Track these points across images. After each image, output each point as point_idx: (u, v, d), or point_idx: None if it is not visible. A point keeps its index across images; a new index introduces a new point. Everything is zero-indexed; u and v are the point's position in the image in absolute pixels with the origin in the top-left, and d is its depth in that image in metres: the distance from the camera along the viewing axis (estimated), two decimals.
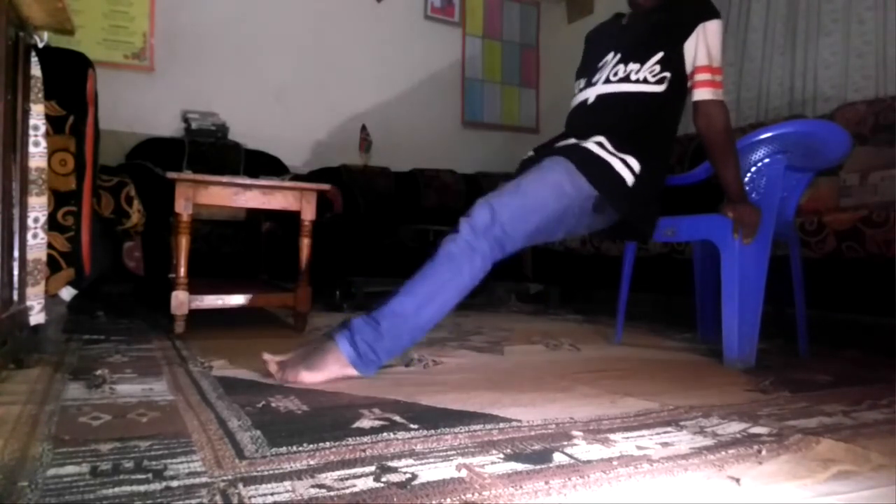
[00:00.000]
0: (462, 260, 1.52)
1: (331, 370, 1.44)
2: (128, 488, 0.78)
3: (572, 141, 1.80)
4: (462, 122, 4.81)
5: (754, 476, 0.90)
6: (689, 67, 1.78)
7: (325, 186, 2.42)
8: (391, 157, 4.29)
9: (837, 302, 2.20)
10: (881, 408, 1.31)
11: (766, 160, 1.89)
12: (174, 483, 0.80)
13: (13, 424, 1.03)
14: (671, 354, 2.01)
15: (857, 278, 2.09)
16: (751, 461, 0.96)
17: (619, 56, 1.85)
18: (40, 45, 1.52)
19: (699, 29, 1.75)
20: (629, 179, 1.69)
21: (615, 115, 1.78)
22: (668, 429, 1.13)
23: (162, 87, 3.80)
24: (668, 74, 1.77)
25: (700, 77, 1.76)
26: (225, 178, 2.17)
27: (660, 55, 1.78)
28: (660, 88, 1.77)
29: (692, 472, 0.91)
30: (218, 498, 0.76)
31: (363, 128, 4.30)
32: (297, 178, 3.62)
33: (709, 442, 1.05)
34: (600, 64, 1.90)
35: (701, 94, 1.76)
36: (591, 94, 1.87)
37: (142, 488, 0.78)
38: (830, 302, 2.19)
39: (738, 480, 0.88)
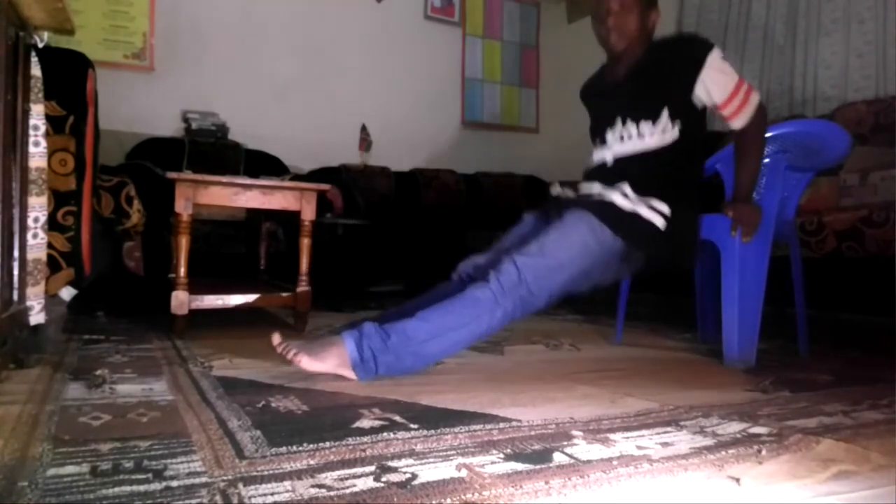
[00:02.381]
0: (484, 310, 1.54)
1: (330, 364, 1.45)
2: (128, 488, 0.78)
3: (597, 188, 1.77)
4: (462, 122, 4.81)
5: (754, 476, 0.90)
6: (709, 105, 1.77)
7: (325, 186, 2.41)
8: (391, 157, 4.29)
9: (837, 302, 2.20)
10: (881, 408, 1.31)
11: (766, 160, 1.89)
12: (174, 483, 0.80)
13: (13, 424, 1.03)
14: (671, 354, 2.01)
15: (857, 278, 2.09)
16: (751, 461, 0.96)
17: (627, 118, 1.82)
18: (40, 45, 1.52)
19: (703, 72, 1.72)
20: (659, 223, 1.68)
21: (636, 170, 1.77)
22: (668, 429, 1.13)
23: (162, 86, 3.80)
24: (679, 122, 1.76)
25: (728, 110, 1.74)
26: (225, 178, 2.17)
27: (668, 109, 1.76)
28: (674, 137, 1.76)
29: (692, 472, 0.91)
30: (218, 498, 0.76)
31: (363, 128, 4.30)
32: (297, 178, 3.62)
33: (709, 442, 1.05)
34: (612, 126, 1.87)
35: (737, 124, 1.75)
36: (608, 156, 1.85)
37: (142, 488, 0.78)
38: (830, 302, 2.19)
39: (738, 480, 0.88)
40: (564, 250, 1.62)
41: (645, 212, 1.68)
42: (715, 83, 1.73)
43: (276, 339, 1.51)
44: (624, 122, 1.83)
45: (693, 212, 1.82)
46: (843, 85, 3.10)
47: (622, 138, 1.83)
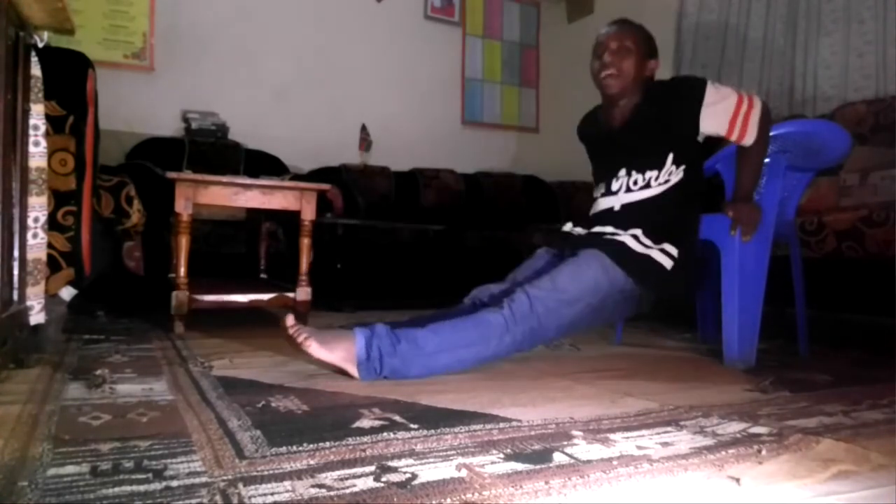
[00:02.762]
0: (493, 333, 1.57)
1: (336, 356, 1.46)
2: (128, 488, 0.78)
3: (609, 230, 1.78)
4: (462, 121, 4.80)
5: (754, 476, 0.90)
6: (716, 135, 1.78)
7: (325, 186, 2.42)
8: (391, 157, 4.29)
9: (837, 302, 2.20)
10: (881, 408, 1.31)
11: (767, 160, 1.89)
12: (174, 483, 0.80)
13: (13, 424, 1.03)
14: (671, 354, 2.01)
15: (857, 278, 2.09)
16: (751, 461, 0.96)
17: (633, 171, 1.82)
18: (40, 45, 1.52)
19: (704, 111, 1.73)
20: (668, 265, 1.71)
21: (644, 215, 1.78)
22: (668, 429, 1.13)
23: (162, 86, 3.80)
24: (683, 162, 1.78)
25: (734, 136, 1.75)
26: (225, 178, 2.17)
27: (671, 156, 1.77)
28: (680, 177, 1.78)
29: (692, 472, 0.91)
30: (218, 498, 0.76)
31: (363, 128, 4.29)
32: (297, 177, 3.62)
33: (709, 442, 1.05)
34: (616, 176, 1.86)
35: (748, 140, 1.76)
36: (615, 204, 1.85)
37: (142, 488, 0.78)
38: (830, 302, 2.19)
39: (738, 480, 0.88)
40: (576, 286, 1.65)
41: (656, 255, 1.71)
42: (716, 115, 1.74)
43: (290, 320, 1.52)
44: (629, 174, 1.83)
45: (695, 247, 1.84)
46: (843, 85, 3.10)
47: (629, 188, 1.83)
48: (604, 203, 1.90)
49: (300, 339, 1.47)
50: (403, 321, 1.69)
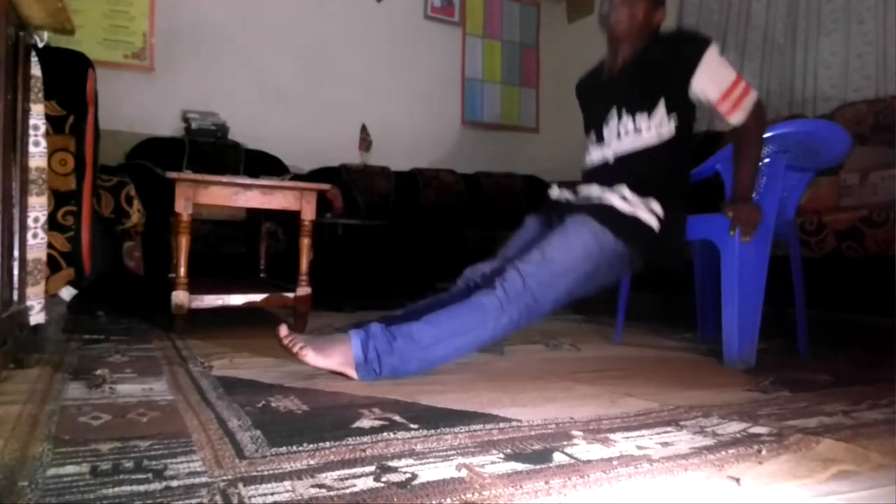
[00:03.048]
0: (489, 316, 1.55)
1: (334, 361, 1.46)
2: (128, 488, 0.78)
3: (596, 190, 1.78)
4: (462, 122, 4.81)
5: (754, 476, 0.90)
6: (705, 102, 1.77)
7: (325, 186, 2.42)
8: (391, 157, 4.29)
9: (837, 302, 2.20)
10: (881, 408, 1.31)
11: (766, 160, 1.89)
12: (174, 483, 0.80)
13: (13, 424, 1.03)
14: (671, 354, 2.01)
15: (857, 278, 2.09)
16: (751, 461, 0.96)
17: (623, 109, 1.83)
18: (40, 45, 1.52)
19: (699, 67, 1.73)
20: (654, 224, 1.70)
21: (635, 170, 1.78)
22: (668, 429, 1.13)
23: (162, 86, 3.80)
24: (675, 115, 1.77)
25: (724, 107, 1.75)
26: (225, 178, 2.17)
27: (663, 101, 1.77)
28: (671, 132, 1.77)
29: (692, 472, 0.91)
30: (218, 498, 0.76)
31: (363, 128, 4.29)
32: (297, 177, 3.62)
33: (709, 442, 1.05)
34: (606, 121, 1.87)
35: (734, 120, 1.76)
36: (608, 155, 1.86)
37: (142, 488, 0.78)
38: (830, 302, 2.19)
39: (738, 480, 0.88)
40: (567, 256, 1.63)
41: (643, 214, 1.69)
42: (711, 79, 1.73)
43: (283, 331, 1.52)
44: (620, 116, 1.83)
45: (681, 212, 1.83)
46: (843, 85, 3.10)
47: (619, 135, 1.83)
48: (595, 155, 1.90)
49: (296, 350, 1.46)
50: (397, 315, 1.68)
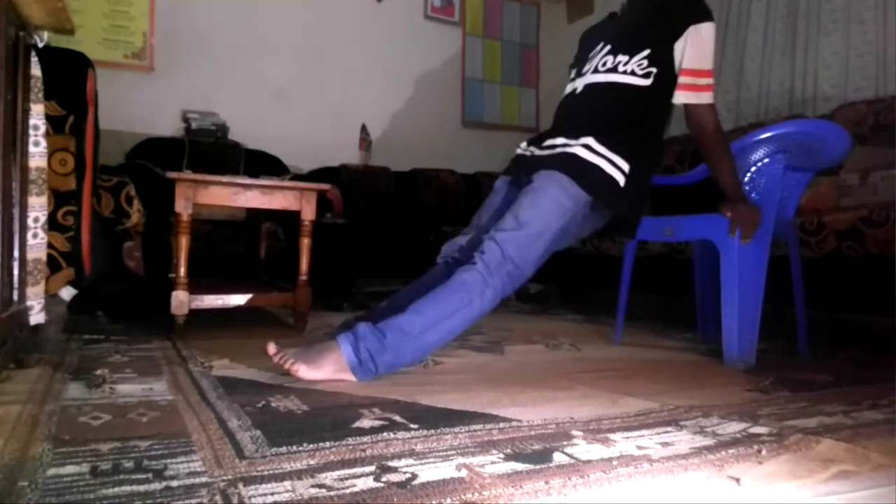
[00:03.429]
0: (474, 292, 1.54)
1: (327, 370, 1.45)
2: (128, 488, 0.78)
3: (560, 142, 1.77)
4: (462, 122, 4.81)
5: (754, 476, 0.90)
6: (676, 68, 1.76)
7: (325, 186, 2.41)
8: (391, 157, 4.29)
9: (837, 302, 2.20)
10: (881, 408, 1.31)
11: (766, 160, 1.89)
12: (174, 483, 0.80)
13: (13, 424, 1.03)
14: (671, 354, 2.01)
15: (857, 278, 2.09)
16: (751, 461, 0.96)
17: (608, 47, 1.85)
18: (40, 45, 1.52)
19: (690, 31, 1.73)
20: (620, 180, 1.69)
21: (602, 107, 1.78)
22: (668, 429, 1.13)
23: (162, 87, 3.80)
24: (654, 70, 1.76)
25: (683, 80, 1.75)
26: (225, 178, 2.16)
27: (647, 51, 1.77)
28: (646, 83, 1.76)
29: (692, 472, 0.91)
30: (218, 498, 0.76)
31: (363, 128, 4.29)
32: (297, 177, 3.62)
33: (709, 442, 1.05)
34: (591, 54, 1.90)
35: (680, 97, 1.75)
36: (579, 84, 1.87)
37: (142, 488, 0.78)
38: (830, 302, 2.19)
39: (738, 480, 0.88)
40: (540, 216, 1.62)
41: (607, 167, 1.68)
42: (691, 47, 1.73)
43: (272, 348, 1.50)
44: (602, 51, 1.85)
45: (647, 177, 1.81)
46: (843, 85, 3.10)
47: (597, 68, 1.84)
48: (569, 87, 1.92)
49: (287, 366, 1.44)
50: (381, 308, 1.67)
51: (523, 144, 1.94)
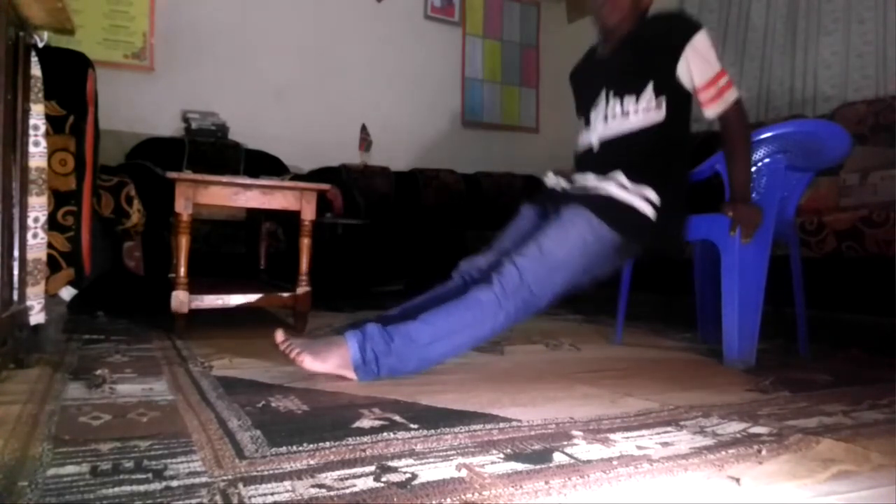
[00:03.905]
0: (487, 313, 1.54)
1: (331, 364, 1.45)
2: (128, 488, 0.78)
3: (591, 179, 1.77)
4: (462, 122, 4.81)
5: (754, 476, 0.90)
6: (689, 88, 1.76)
7: (326, 186, 2.41)
8: (391, 157, 4.29)
9: (837, 302, 2.20)
10: (881, 408, 1.31)
11: (766, 160, 1.89)
12: (174, 483, 0.80)
13: (13, 424, 1.03)
14: (671, 354, 2.01)
15: (857, 278, 2.09)
16: (751, 461, 0.96)
17: (611, 91, 1.83)
18: (40, 45, 1.52)
19: (687, 50, 1.72)
20: (649, 213, 1.69)
21: (623, 155, 1.77)
22: (668, 429, 1.13)
23: (162, 87, 3.80)
24: (664, 99, 1.76)
25: (704, 96, 1.74)
26: (225, 178, 2.17)
27: (652, 84, 1.76)
28: (660, 116, 1.76)
29: (692, 472, 0.91)
30: (218, 498, 0.76)
31: (363, 128, 4.29)
32: (297, 177, 3.62)
33: (709, 442, 1.05)
34: (596, 103, 1.88)
35: (711, 111, 1.75)
36: (594, 139, 1.86)
37: (142, 488, 0.78)
38: (830, 302, 2.19)
39: (738, 480, 0.88)
40: (563, 249, 1.62)
41: (638, 202, 1.68)
42: (696, 64, 1.73)
43: (280, 336, 1.51)
44: (608, 99, 1.83)
45: (680, 202, 1.82)
46: (843, 85, 3.10)
47: (606, 118, 1.83)
48: (583, 140, 1.91)
49: (292, 355, 1.45)
50: (393, 314, 1.67)
51: (551, 178, 1.94)
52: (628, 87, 1.79)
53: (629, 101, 1.78)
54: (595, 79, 1.92)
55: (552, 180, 1.94)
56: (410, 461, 0.92)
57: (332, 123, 4.22)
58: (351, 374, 1.46)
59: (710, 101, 1.74)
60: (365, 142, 4.28)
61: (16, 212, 1.41)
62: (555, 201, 1.80)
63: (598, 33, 1.94)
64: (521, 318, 1.61)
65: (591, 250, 1.65)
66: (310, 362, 1.44)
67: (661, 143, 1.77)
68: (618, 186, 1.69)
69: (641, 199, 1.69)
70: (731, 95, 1.74)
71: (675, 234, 1.83)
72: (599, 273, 1.78)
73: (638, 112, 1.77)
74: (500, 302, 1.54)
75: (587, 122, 1.91)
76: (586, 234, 1.64)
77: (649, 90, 1.76)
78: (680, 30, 1.76)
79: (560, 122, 4.71)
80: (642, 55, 1.79)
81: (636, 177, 1.70)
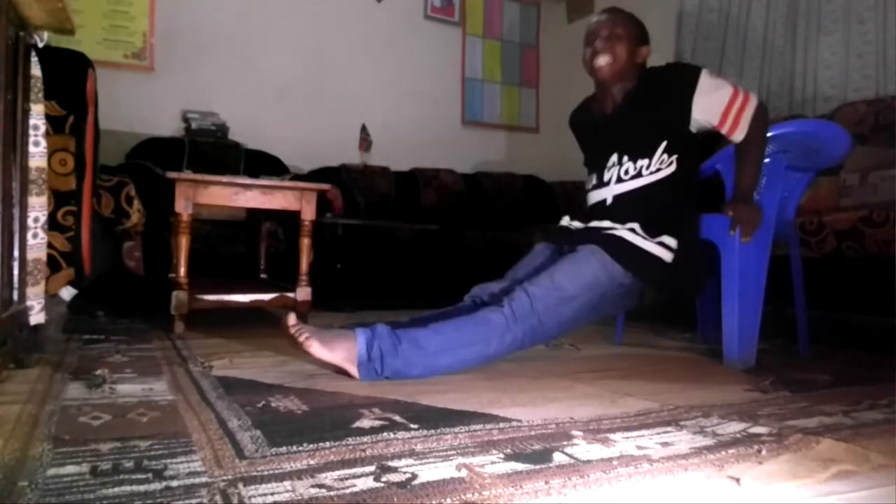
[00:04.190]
0: (494, 332, 1.57)
1: (337, 356, 1.46)
2: (128, 488, 0.78)
3: (607, 224, 1.78)
4: (462, 121, 4.80)
5: (754, 476, 0.90)
6: (709, 127, 1.77)
7: (325, 186, 2.42)
8: (391, 157, 4.28)
9: (837, 302, 2.20)
10: (881, 408, 1.31)
11: (767, 160, 1.89)
12: (174, 483, 0.80)
13: (13, 424, 1.03)
14: (671, 354, 2.01)
15: (857, 278, 2.09)
16: (751, 461, 0.96)
17: (624, 156, 1.83)
18: (40, 45, 1.52)
19: (696, 95, 1.73)
20: (667, 257, 1.71)
21: (638, 209, 1.78)
22: (668, 429, 1.13)
23: (162, 87, 3.80)
24: (676, 155, 1.77)
25: (725, 129, 1.75)
26: (225, 178, 2.17)
27: (664, 144, 1.77)
28: (672, 169, 1.78)
29: (692, 472, 0.91)
30: (218, 498, 0.76)
31: (363, 128, 4.29)
32: (297, 177, 3.62)
33: (709, 442, 1.05)
34: (607, 164, 1.88)
35: (738, 136, 1.76)
36: (607, 196, 1.86)
37: (142, 488, 0.78)
38: (830, 302, 2.19)
39: (738, 480, 0.88)
40: (575, 283, 1.65)
41: (654, 248, 1.71)
42: (709, 104, 1.74)
43: (292, 319, 1.52)
44: (620, 161, 1.84)
45: (696, 239, 1.84)
46: (843, 85, 3.10)
47: (620, 178, 1.84)
48: (595, 196, 1.91)
49: (301, 339, 1.47)
50: (404, 321, 1.69)
51: (566, 219, 1.96)
52: (640, 150, 1.80)
53: (642, 162, 1.80)
54: (603, 139, 1.92)
55: (567, 221, 1.96)
56: (410, 461, 0.92)
57: (332, 123, 4.22)
58: (353, 370, 1.46)
59: (732, 129, 1.75)
60: (365, 142, 4.28)
61: (16, 212, 1.41)
62: (571, 240, 1.82)
63: (596, 87, 1.93)
64: (528, 344, 1.64)
65: (602, 288, 1.68)
66: (317, 349, 1.45)
67: (674, 192, 1.79)
68: (632, 233, 1.72)
69: (657, 245, 1.71)
70: (749, 112, 1.74)
71: (694, 272, 1.84)
72: (610, 311, 1.82)
73: (651, 170, 1.79)
74: (508, 325, 1.57)
75: (599, 181, 1.91)
76: (599, 272, 1.67)
77: (661, 150, 1.77)
78: (683, 80, 1.77)
79: (560, 122, 4.70)
80: (651, 115, 1.80)
81: (653, 228, 1.72)
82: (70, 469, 0.84)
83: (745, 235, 1.76)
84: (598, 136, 1.94)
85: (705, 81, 1.74)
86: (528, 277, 1.70)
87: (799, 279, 1.97)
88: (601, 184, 1.89)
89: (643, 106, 1.81)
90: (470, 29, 4.83)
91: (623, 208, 1.80)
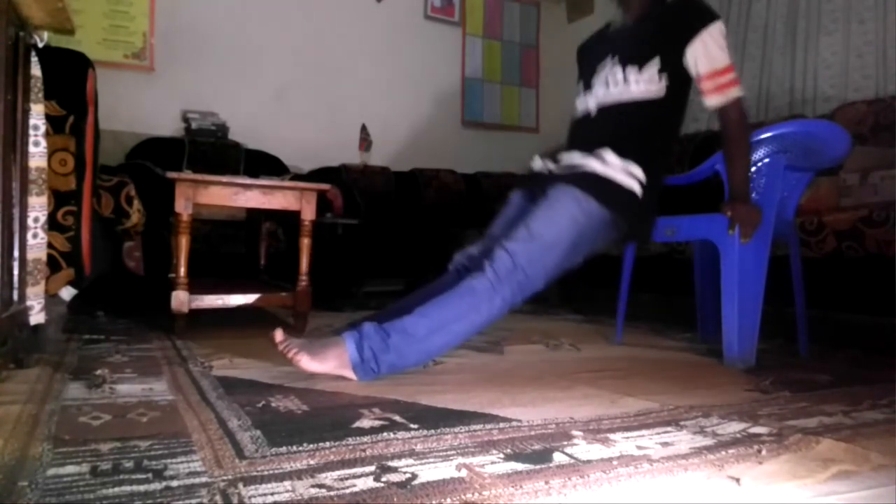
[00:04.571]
0: (482, 299, 1.54)
1: (330, 365, 1.45)
2: (128, 488, 0.78)
3: (577, 157, 1.77)
4: (462, 121, 4.81)
5: (754, 476, 0.90)
6: (693, 75, 1.76)
7: (325, 186, 2.42)
8: (391, 157, 4.29)
9: (837, 302, 2.20)
10: (881, 408, 1.31)
11: (766, 160, 1.89)
12: (174, 483, 0.80)
13: (13, 424, 1.03)
14: (671, 354, 2.01)
15: (857, 278, 2.09)
16: (751, 461, 0.96)
17: (616, 58, 1.83)
18: (40, 45, 1.52)
19: (701, 36, 1.72)
20: (637, 190, 1.69)
21: (617, 126, 1.77)
22: (668, 429, 1.13)
23: (162, 87, 3.80)
24: (666, 77, 1.75)
25: (706, 85, 1.74)
26: (225, 178, 2.17)
27: (658, 59, 1.76)
28: (660, 94, 1.76)
29: (692, 472, 0.91)
30: (218, 498, 0.76)
31: (363, 128, 4.29)
32: (297, 177, 3.62)
33: (709, 442, 1.05)
34: (599, 68, 1.88)
35: (711, 101, 1.75)
36: (592, 105, 1.86)
37: (142, 488, 0.78)
38: (830, 302, 2.19)
39: (738, 480, 0.88)
40: (553, 229, 1.62)
41: (624, 179, 1.68)
42: (706, 52, 1.73)
43: (279, 335, 1.51)
44: (612, 62, 1.83)
45: (659, 181, 1.82)
46: (843, 85, 3.10)
47: (607, 83, 1.82)
48: (581, 105, 1.91)
49: (290, 355, 1.45)
50: (390, 309, 1.67)
51: (537, 161, 1.94)
52: (634, 56, 1.79)
53: (632, 69, 1.78)
54: (603, 48, 1.93)
55: (538, 164, 1.93)
56: (410, 461, 0.92)
57: (332, 123, 4.22)
58: (350, 374, 1.46)
59: (712, 91, 1.74)
60: (365, 142, 4.28)
61: (16, 212, 1.41)
62: (542, 183, 1.80)
63: (618, 5, 1.93)
64: (518, 300, 1.60)
65: (580, 226, 1.65)
66: (307, 362, 1.44)
67: (656, 122, 1.78)
68: (602, 164, 1.69)
69: (628, 175, 1.69)
70: (733, 92, 1.74)
71: (651, 219, 1.83)
72: (591, 250, 1.78)
73: (639, 83, 1.76)
74: (494, 287, 1.54)
75: (587, 87, 1.90)
76: (574, 210, 1.64)
77: (654, 64, 1.75)
78: (697, 15, 1.76)
79: (560, 122, 4.71)
80: (654, 32, 1.80)
81: (626, 151, 1.70)
82: (70, 469, 0.84)
83: (745, 236, 1.76)
84: (602, 47, 1.94)
85: (715, 31, 1.72)
86: (505, 232, 1.67)
87: (799, 279, 1.97)
88: (588, 88, 1.89)
89: (652, 24, 1.82)
90: (470, 29, 4.83)
91: (604, 123, 1.79)
